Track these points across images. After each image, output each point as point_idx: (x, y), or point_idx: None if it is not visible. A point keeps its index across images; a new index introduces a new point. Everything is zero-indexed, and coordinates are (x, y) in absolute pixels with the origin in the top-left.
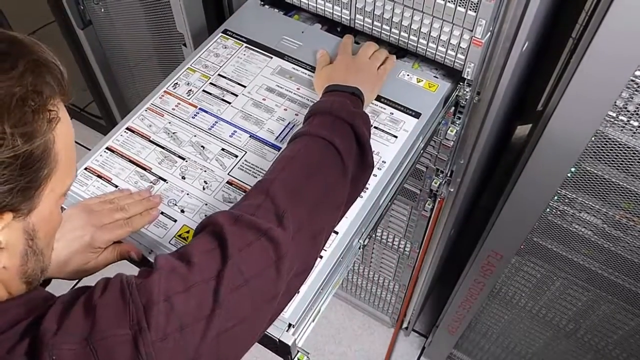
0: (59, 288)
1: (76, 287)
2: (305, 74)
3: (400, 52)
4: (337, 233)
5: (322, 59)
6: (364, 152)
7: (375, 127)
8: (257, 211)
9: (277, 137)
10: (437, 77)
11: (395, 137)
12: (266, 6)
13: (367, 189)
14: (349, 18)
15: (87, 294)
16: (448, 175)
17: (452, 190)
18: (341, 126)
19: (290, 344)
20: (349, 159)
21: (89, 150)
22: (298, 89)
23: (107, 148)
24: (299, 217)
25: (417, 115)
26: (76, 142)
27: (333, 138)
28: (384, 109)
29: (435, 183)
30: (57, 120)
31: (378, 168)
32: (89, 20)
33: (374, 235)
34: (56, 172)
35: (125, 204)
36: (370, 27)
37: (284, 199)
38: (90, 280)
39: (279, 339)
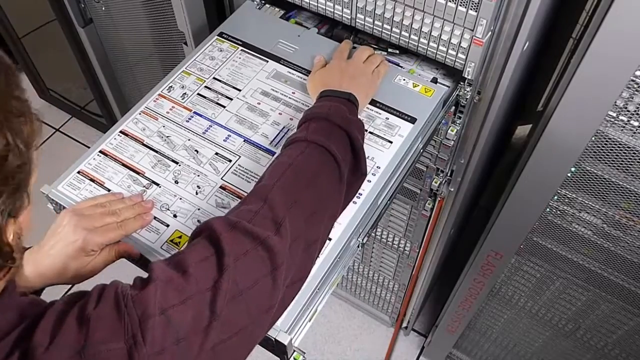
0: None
1: (70, 293)
2: (301, 78)
3: (401, 51)
4: (330, 239)
5: (318, 64)
6: (358, 160)
7: (370, 132)
8: (254, 218)
9: (272, 141)
10: (436, 77)
11: (391, 142)
12: (266, 5)
13: (361, 194)
14: (349, 17)
15: (81, 304)
16: (448, 174)
17: (452, 189)
18: (338, 133)
19: (286, 343)
20: (345, 167)
21: (89, 148)
22: (293, 93)
23: (100, 151)
24: (296, 226)
25: (412, 120)
26: (77, 140)
27: (330, 145)
28: (380, 113)
29: (436, 182)
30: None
31: (372, 174)
32: (90, 18)
33: (373, 234)
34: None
35: (117, 208)
36: (371, 26)
37: (282, 206)
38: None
39: (275, 339)
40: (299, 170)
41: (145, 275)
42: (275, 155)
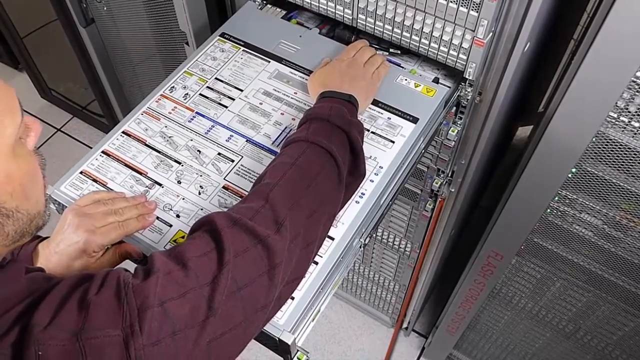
0: None
1: (78, 274)
2: (303, 78)
3: (403, 51)
4: (332, 239)
5: (320, 65)
6: (357, 161)
7: (372, 132)
8: (256, 216)
9: (274, 141)
10: (438, 78)
11: (393, 142)
12: (268, 5)
13: (364, 194)
14: (351, 17)
15: (85, 288)
16: (449, 175)
17: (453, 190)
18: (338, 134)
19: (290, 343)
20: (344, 168)
21: (91, 148)
22: (295, 93)
23: (102, 152)
24: (296, 226)
25: (414, 120)
26: (78, 140)
27: (331, 146)
28: (382, 113)
29: (436, 183)
30: None
31: (375, 174)
32: (92, 18)
33: (374, 235)
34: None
35: (120, 207)
36: (372, 26)
37: (283, 206)
38: None
39: (279, 338)
40: (300, 171)
41: None
42: (276, 155)
